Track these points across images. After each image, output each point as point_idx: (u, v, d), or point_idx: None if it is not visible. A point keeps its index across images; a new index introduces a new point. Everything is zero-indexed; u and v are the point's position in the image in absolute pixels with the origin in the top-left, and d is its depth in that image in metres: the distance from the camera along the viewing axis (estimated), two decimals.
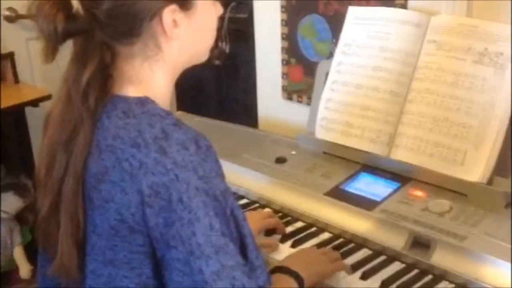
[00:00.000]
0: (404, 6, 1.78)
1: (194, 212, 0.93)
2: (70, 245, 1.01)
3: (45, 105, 2.79)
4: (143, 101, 1.01)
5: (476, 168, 1.48)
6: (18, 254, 2.76)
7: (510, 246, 1.28)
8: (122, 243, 0.97)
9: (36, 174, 1.08)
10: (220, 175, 0.99)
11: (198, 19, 1.05)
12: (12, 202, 2.72)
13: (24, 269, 2.77)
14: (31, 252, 2.82)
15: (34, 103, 2.66)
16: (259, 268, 1.00)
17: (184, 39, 1.04)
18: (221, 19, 2.62)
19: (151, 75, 1.04)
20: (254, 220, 1.44)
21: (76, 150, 1.00)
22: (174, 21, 1.01)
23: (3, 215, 2.68)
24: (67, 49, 1.02)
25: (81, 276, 1.04)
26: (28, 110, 2.78)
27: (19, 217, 2.77)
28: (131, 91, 1.03)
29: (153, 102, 1.02)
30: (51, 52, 0.97)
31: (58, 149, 1.02)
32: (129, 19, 0.98)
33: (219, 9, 1.11)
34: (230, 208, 0.98)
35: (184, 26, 1.03)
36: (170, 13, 1.00)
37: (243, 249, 0.99)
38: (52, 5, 0.95)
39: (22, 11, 3.03)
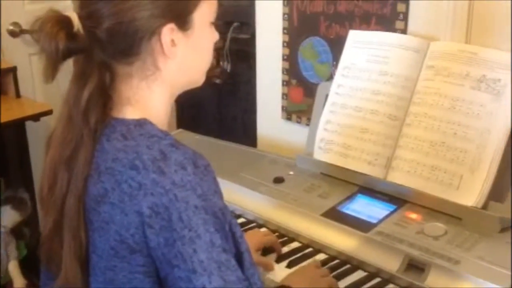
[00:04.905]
0: (404, 31, 1.81)
1: (195, 230, 0.93)
2: (73, 263, 1.02)
3: (46, 120, 2.80)
4: (141, 123, 1.02)
5: (471, 193, 1.49)
6: (13, 268, 2.75)
7: (503, 270, 1.28)
8: (121, 264, 0.98)
9: (38, 192, 1.09)
10: (218, 193, 1.00)
11: (195, 40, 1.07)
12: (9, 216, 2.72)
13: (19, 283, 2.75)
14: (26, 266, 2.82)
15: (35, 117, 2.67)
16: (254, 285, 1.01)
17: (182, 59, 1.06)
18: (223, 39, 2.66)
19: (149, 94, 1.06)
20: (253, 238, 1.46)
21: (77, 169, 1.01)
22: (172, 41, 1.03)
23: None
24: (67, 67, 1.04)
25: None
26: (28, 124, 2.79)
27: (15, 231, 2.77)
28: (130, 112, 1.04)
29: (150, 123, 1.03)
30: (51, 70, 0.98)
31: (59, 167, 1.03)
32: (128, 37, 1.00)
33: (215, 35, 1.13)
34: (228, 224, 0.99)
35: (182, 45, 1.05)
36: (168, 31, 1.02)
37: (240, 266, 0.99)
38: (54, 23, 0.97)
39: (26, 26, 3.06)
